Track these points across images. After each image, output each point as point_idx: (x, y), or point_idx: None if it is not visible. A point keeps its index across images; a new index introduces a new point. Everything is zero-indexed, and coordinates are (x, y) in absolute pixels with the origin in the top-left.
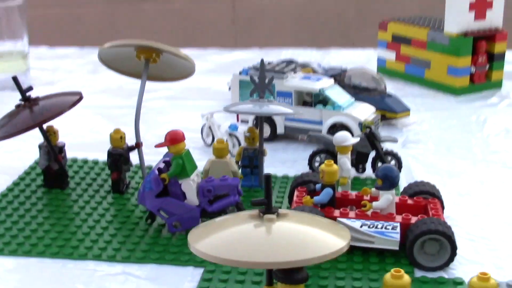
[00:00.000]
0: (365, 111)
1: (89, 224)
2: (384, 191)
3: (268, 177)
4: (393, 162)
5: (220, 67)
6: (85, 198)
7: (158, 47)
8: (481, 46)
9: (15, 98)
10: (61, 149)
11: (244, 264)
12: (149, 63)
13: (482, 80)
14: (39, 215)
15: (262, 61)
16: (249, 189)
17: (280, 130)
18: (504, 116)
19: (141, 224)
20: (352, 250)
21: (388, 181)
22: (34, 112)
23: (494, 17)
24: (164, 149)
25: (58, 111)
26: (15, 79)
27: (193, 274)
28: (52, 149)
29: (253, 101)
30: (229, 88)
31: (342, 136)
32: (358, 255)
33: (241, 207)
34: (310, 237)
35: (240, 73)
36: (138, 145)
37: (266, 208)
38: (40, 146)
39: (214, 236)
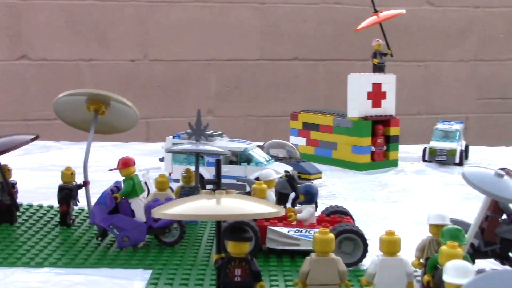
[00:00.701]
0: (268, 172)
1: (39, 247)
2: (306, 205)
3: (218, 160)
4: None
5: None
6: (33, 230)
7: (108, 95)
8: (379, 129)
9: None
10: (14, 186)
11: (200, 217)
12: (98, 114)
13: (381, 158)
14: None
15: (199, 111)
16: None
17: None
18: (401, 181)
19: (91, 244)
20: (281, 255)
21: (309, 195)
22: None
23: (388, 106)
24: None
25: (15, 146)
26: None
27: (143, 274)
28: (6, 183)
29: (191, 143)
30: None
31: (267, 172)
32: (287, 258)
33: (183, 223)
34: (252, 204)
35: (173, 137)
36: (86, 183)
37: (217, 186)
38: None
39: (175, 206)
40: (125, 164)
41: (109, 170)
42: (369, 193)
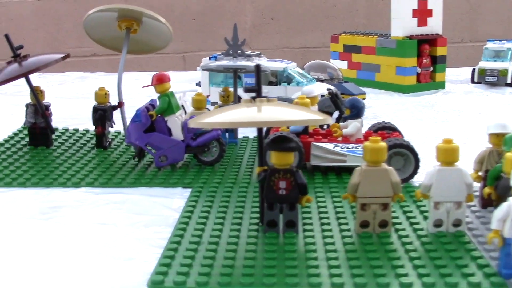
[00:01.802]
0: (316, 88)
1: (75, 168)
2: (352, 119)
3: (258, 66)
4: None
5: None
6: (69, 153)
7: (140, 10)
8: (425, 49)
9: None
10: (47, 107)
11: (240, 124)
12: (130, 33)
13: (427, 80)
14: (23, 165)
15: (235, 25)
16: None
17: None
18: (449, 102)
19: (128, 164)
20: (326, 172)
21: (355, 109)
22: (23, 65)
23: (435, 24)
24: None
25: (45, 64)
26: (7, 36)
27: (182, 193)
28: (39, 104)
29: (227, 59)
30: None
31: (309, 89)
32: (333, 175)
33: (222, 141)
34: (296, 112)
35: (209, 58)
36: (120, 104)
37: (257, 94)
38: (26, 105)
39: (213, 115)
40: (160, 80)
41: (143, 86)
42: (416, 113)
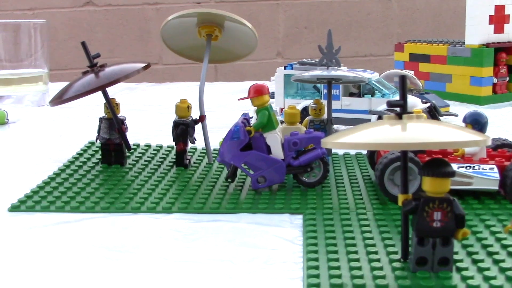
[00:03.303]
0: (415, 100)
1: (159, 191)
2: None
3: (403, 76)
4: None
5: None
6: (148, 172)
7: (221, 14)
8: (501, 57)
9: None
10: (123, 122)
11: (386, 146)
12: (211, 40)
13: (504, 91)
14: (101, 186)
15: (329, 31)
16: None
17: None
18: None
19: (218, 186)
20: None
21: (479, 125)
22: (100, 76)
23: (511, 31)
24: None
25: (124, 75)
26: (83, 44)
27: (292, 220)
28: (115, 118)
29: (321, 69)
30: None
31: (412, 102)
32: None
33: (326, 160)
34: (451, 130)
35: (284, 68)
36: (202, 118)
37: (402, 109)
38: (100, 119)
39: (351, 134)
40: (259, 92)
41: (239, 99)
42: (504, 128)
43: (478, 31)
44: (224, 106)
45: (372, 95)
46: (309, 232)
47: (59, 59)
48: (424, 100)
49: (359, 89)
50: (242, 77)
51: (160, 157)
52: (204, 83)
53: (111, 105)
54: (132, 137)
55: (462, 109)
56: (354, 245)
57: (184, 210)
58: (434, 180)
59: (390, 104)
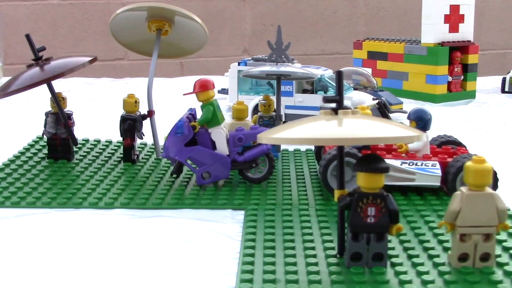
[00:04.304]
0: (365, 97)
1: (104, 186)
2: None
3: (340, 72)
4: None
5: None
6: (94, 167)
7: (172, 9)
8: (456, 56)
9: None
10: (70, 116)
11: (326, 141)
12: (161, 34)
13: (458, 89)
14: (44, 182)
15: (279, 27)
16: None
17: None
18: (487, 114)
19: (164, 182)
20: (390, 191)
21: (423, 122)
22: (45, 69)
23: (466, 31)
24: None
25: (69, 69)
26: (27, 36)
27: (233, 216)
28: (62, 113)
29: (271, 65)
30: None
31: (360, 98)
32: (399, 196)
33: (272, 157)
34: (386, 126)
35: (238, 63)
36: (150, 113)
37: (338, 104)
38: (46, 114)
39: (287, 129)
40: (204, 87)
41: (184, 94)
42: (457, 126)
43: (433, 30)
44: (184, 101)
45: (325, 91)
46: (249, 228)
47: (22, 53)
48: (374, 97)
49: (312, 86)
50: (208, 73)
51: (108, 153)
52: (153, 78)
53: (56, 99)
54: (84, 132)
55: (420, 104)
56: (292, 240)
57: (127, 205)
58: (368, 175)
59: (326, 100)
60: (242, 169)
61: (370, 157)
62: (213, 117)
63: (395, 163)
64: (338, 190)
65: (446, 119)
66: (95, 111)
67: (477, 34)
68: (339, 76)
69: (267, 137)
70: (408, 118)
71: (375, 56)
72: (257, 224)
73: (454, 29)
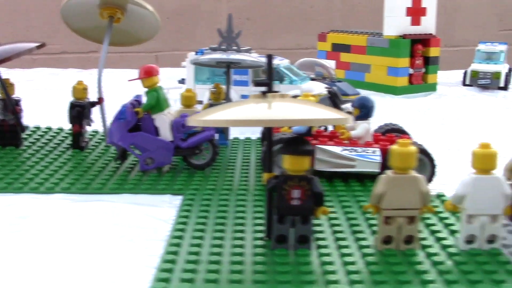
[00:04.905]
0: (315, 86)
1: (48, 172)
2: (361, 120)
3: (270, 56)
4: None
5: None
6: (41, 154)
7: None
8: (418, 49)
9: None
10: (18, 103)
11: (249, 123)
12: (113, 22)
13: (420, 82)
14: None
15: (230, 15)
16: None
17: None
18: (445, 106)
19: (109, 167)
20: (332, 179)
21: (365, 109)
22: None
23: (428, 24)
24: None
25: (15, 53)
26: None
27: (171, 200)
28: (9, 99)
29: (221, 52)
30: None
31: (308, 87)
32: (339, 182)
33: (215, 143)
34: (312, 109)
35: (195, 53)
36: (100, 100)
37: (268, 88)
38: None
39: (217, 111)
40: (148, 73)
41: (129, 80)
42: (413, 117)
43: (395, 23)
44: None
45: (281, 81)
46: (183, 212)
47: None
48: (327, 87)
49: None
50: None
51: (58, 140)
52: (103, 66)
53: (4, 85)
54: (37, 120)
55: (379, 99)
56: (223, 224)
57: (67, 190)
58: (292, 158)
59: (256, 83)
60: (185, 155)
61: (295, 140)
62: (156, 103)
63: (336, 149)
64: (267, 173)
65: (404, 111)
66: (52, 100)
67: (450, 30)
68: (269, 60)
69: (196, 119)
70: (352, 105)
71: (338, 48)
72: (192, 208)
73: (416, 22)
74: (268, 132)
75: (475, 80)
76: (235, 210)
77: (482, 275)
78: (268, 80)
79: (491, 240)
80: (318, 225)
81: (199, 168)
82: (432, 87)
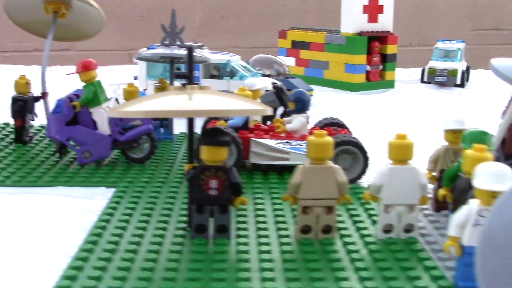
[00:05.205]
0: (256, 81)
1: None
2: (297, 114)
3: (190, 49)
4: None
5: None
6: None
7: None
8: (375, 46)
9: None
10: None
11: (167, 113)
12: (58, 17)
13: (377, 79)
14: None
15: (173, 11)
16: (159, 141)
17: None
18: (400, 102)
19: (48, 161)
20: (267, 171)
21: (301, 103)
22: None
23: (385, 21)
24: None
25: None
26: None
27: (104, 193)
28: None
29: (164, 47)
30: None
31: (251, 81)
32: (274, 175)
33: (154, 137)
34: (231, 100)
35: (147, 48)
36: (44, 95)
37: (189, 80)
38: None
39: (137, 103)
40: (85, 67)
41: (67, 74)
42: (364, 112)
43: (352, 20)
44: None
45: (232, 77)
46: (112, 203)
47: None
48: (274, 82)
49: (219, 71)
50: None
51: (3, 134)
52: (47, 61)
53: None
54: None
55: (334, 95)
56: (149, 215)
57: (2, 183)
58: (210, 149)
59: (177, 76)
60: (124, 148)
61: (212, 130)
62: (94, 97)
63: (271, 143)
64: (187, 164)
65: (358, 107)
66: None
67: (424, 30)
68: (190, 52)
69: (117, 111)
70: (290, 99)
71: (298, 46)
72: (122, 200)
73: (373, 19)
74: (189, 124)
75: (432, 77)
76: (164, 202)
77: (393, 262)
78: (188, 72)
79: (409, 229)
80: (243, 215)
81: (137, 161)
82: (390, 84)
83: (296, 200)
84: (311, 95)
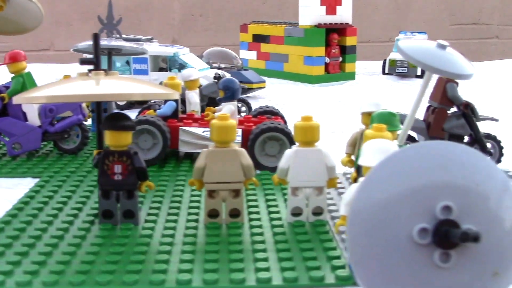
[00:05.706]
0: (191, 72)
1: None
2: (226, 102)
3: (96, 34)
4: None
5: None
6: None
7: None
8: (333, 38)
9: None
10: None
11: (72, 98)
12: None
13: (337, 71)
14: None
15: (110, 1)
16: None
17: None
18: (357, 93)
19: None
20: None
21: (230, 91)
22: None
23: (344, 13)
24: None
25: None
26: None
27: (28, 183)
28: None
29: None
30: None
31: (188, 71)
32: None
33: (85, 127)
34: (137, 85)
35: None
36: None
37: (95, 66)
38: None
39: (43, 89)
40: (13, 59)
41: None
42: (320, 104)
43: (310, 12)
44: None
45: (180, 70)
46: (30, 192)
47: None
48: (217, 73)
49: (167, 64)
50: None
51: None
52: None
53: None
54: None
55: (292, 87)
56: (64, 203)
57: None
58: (113, 133)
59: (82, 62)
60: (55, 140)
61: (115, 115)
62: (22, 88)
63: (198, 131)
64: (96, 150)
65: (315, 98)
66: None
67: (403, 26)
68: (95, 38)
69: (21, 97)
70: (219, 87)
71: (259, 39)
72: (42, 189)
73: (331, 11)
74: (98, 110)
75: (393, 69)
76: (83, 190)
77: (293, 244)
78: (94, 58)
79: (318, 212)
80: (159, 202)
81: (69, 152)
82: (351, 76)
83: (202, 185)
84: (263, 87)
